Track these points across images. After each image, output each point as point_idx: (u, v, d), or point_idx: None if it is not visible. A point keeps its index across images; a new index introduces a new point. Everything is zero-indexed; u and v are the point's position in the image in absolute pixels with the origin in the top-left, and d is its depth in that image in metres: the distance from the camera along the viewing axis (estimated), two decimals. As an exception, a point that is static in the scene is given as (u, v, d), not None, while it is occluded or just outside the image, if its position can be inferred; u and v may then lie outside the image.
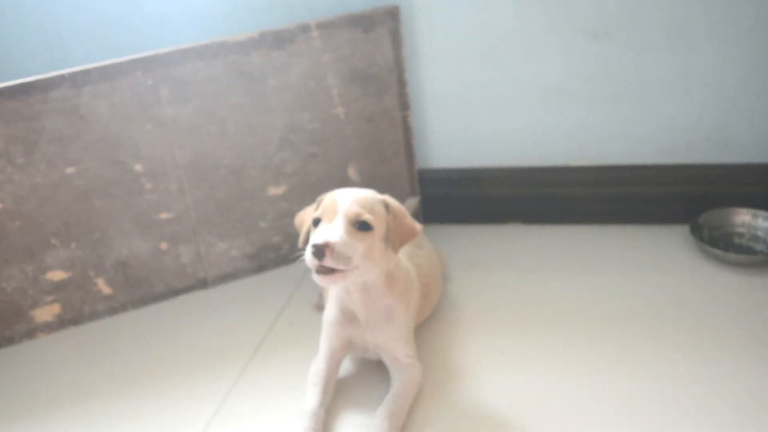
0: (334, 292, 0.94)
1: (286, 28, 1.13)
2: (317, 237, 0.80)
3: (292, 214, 1.24)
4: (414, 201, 1.29)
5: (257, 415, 0.93)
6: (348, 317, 0.93)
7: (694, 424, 0.81)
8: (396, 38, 1.19)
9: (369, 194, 0.87)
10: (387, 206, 0.87)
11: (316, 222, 0.85)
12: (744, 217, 1.18)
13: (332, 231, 0.80)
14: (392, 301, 0.91)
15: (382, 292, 0.90)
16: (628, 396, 0.87)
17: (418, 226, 0.89)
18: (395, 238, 0.86)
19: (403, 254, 0.98)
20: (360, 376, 0.99)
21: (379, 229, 0.84)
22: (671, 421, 0.82)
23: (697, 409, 0.83)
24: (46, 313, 1.16)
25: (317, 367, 0.94)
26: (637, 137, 1.22)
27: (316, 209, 0.88)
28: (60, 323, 1.17)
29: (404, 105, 1.25)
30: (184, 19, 1.28)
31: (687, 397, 0.86)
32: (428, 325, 1.07)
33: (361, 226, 0.82)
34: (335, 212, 0.83)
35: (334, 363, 0.94)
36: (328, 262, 0.79)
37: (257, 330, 1.11)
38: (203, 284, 1.25)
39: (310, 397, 0.90)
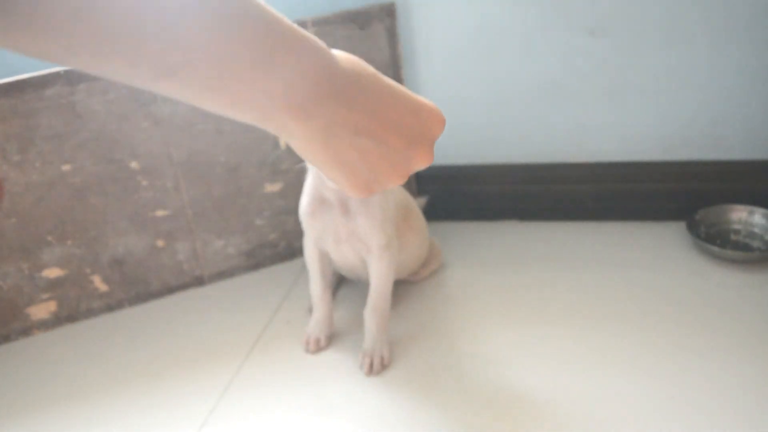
0: (309, 179, 0.95)
1: (282, 25, 1.13)
2: None
3: (288, 212, 1.24)
4: (422, 201, 1.30)
5: (254, 411, 0.93)
6: (322, 205, 0.94)
7: (692, 421, 0.81)
8: (392, 35, 1.19)
9: None
10: None
11: None
12: (740, 214, 1.18)
13: None
14: None
15: None
16: (625, 392, 0.87)
17: None
18: None
19: None
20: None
21: None
22: (668, 417, 0.82)
23: (693, 405, 0.83)
24: (42, 310, 1.16)
25: (307, 244, 1.01)
26: (634, 134, 1.22)
27: None
28: (56, 321, 1.17)
29: (401, 102, 1.24)
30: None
31: (683, 393, 0.86)
32: (425, 321, 1.07)
33: None
34: None
35: (321, 246, 1.00)
36: None
37: (254, 327, 1.11)
38: (200, 282, 1.25)
39: (312, 276, 1.02)
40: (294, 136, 0.37)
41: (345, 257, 1.00)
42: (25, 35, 0.26)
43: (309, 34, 0.35)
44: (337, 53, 0.37)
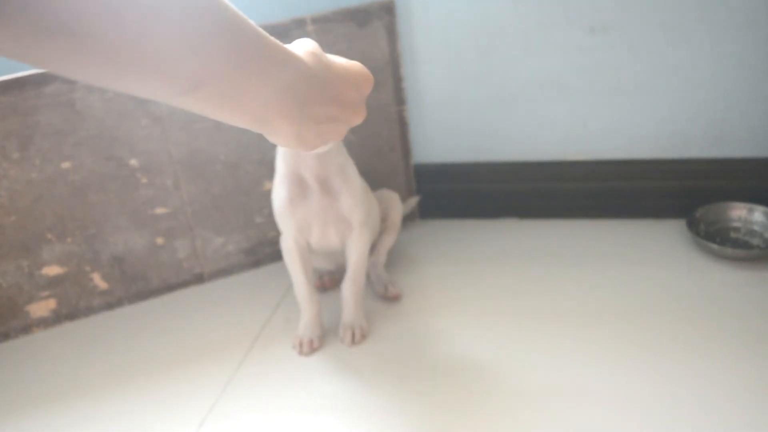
0: (281, 170, 0.96)
1: (281, 22, 1.13)
2: None
3: (288, 209, 1.24)
4: (413, 201, 1.30)
5: (254, 409, 0.93)
6: (301, 191, 0.95)
7: (691, 418, 0.81)
8: (392, 33, 1.19)
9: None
10: None
11: None
12: (740, 212, 1.18)
13: None
14: (344, 160, 0.96)
15: (334, 151, 0.94)
16: (624, 390, 0.87)
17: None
18: None
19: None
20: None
21: None
22: (666, 415, 0.82)
23: (692, 403, 0.83)
24: (41, 308, 1.16)
25: (286, 246, 1.01)
26: (634, 132, 1.22)
27: None
28: (56, 318, 1.18)
29: (400, 100, 1.24)
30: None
31: (682, 391, 0.86)
32: (422, 319, 1.07)
33: None
34: None
35: (301, 241, 1.01)
36: None
37: (254, 325, 1.11)
38: (199, 279, 1.25)
39: (295, 279, 1.03)
40: (280, 133, 0.43)
41: (329, 241, 1.01)
42: (70, 59, 0.31)
43: (281, 44, 0.41)
44: (302, 53, 0.43)
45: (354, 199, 0.97)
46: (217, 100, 0.37)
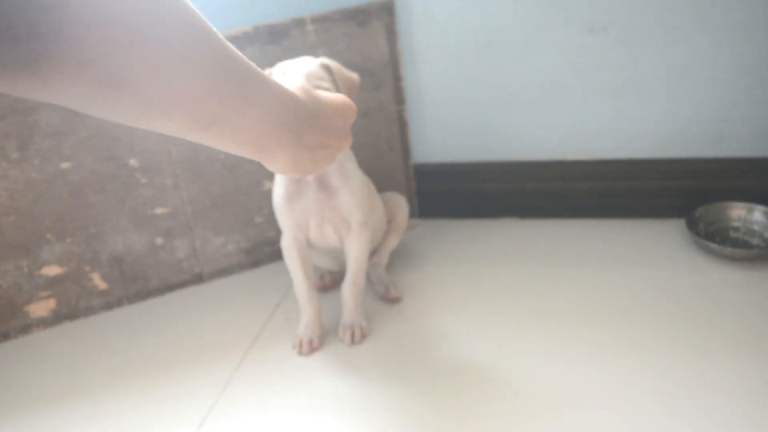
0: None
1: (281, 22, 1.13)
2: None
3: (287, 209, 1.24)
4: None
5: (253, 408, 0.93)
6: (300, 187, 0.96)
7: (690, 417, 0.81)
8: (391, 33, 1.19)
9: (313, 65, 0.91)
10: (328, 68, 0.92)
11: None
12: (740, 212, 1.18)
13: None
14: (344, 157, 0.97)
15: None
16: (623, 389, 0.87)
17: (355, 75, 0.97)
18: (343, 93, 0.92)
19: None
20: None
21: (333, 86, 0.90)
22: (666, 414, 0.82)
23: (691, 403, 0.83)
24: (41, 308, 1.16)
25: (285, 244, 1.02)
26: (633, 131, 1.22)
27: None
28: (55, 318, 1.17)
29: (400, 99, 1.24)
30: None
31: (682, 390, 0.86)
32: (422, 319, 1.07)
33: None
34: None
35: (301, 238, 1.01)
36: None
37: (253, 324, 1.11)
38: (199, 279, 1.25)
39: (295, 278, 1.03)
40: (279, 161, 0.49)
41: (326, 238, 1.02)
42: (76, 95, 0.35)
43: (277, 82, 0.47)
44: (294, 89, 0.49)
45: (353, 198, 0.97)
46: (228, 133, 0.43)
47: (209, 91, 0.40)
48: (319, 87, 0.87)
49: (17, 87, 0.33)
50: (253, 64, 0.45)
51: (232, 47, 0.44)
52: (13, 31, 0.30)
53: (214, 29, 0.43)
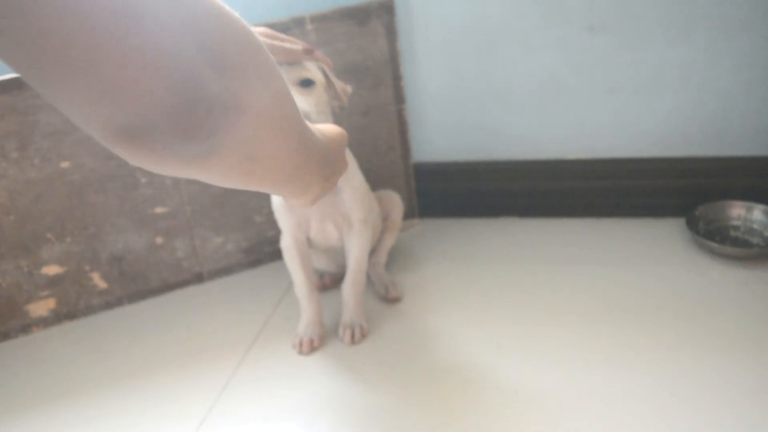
0: None
1: (281, 21, 1.13)
2: None
3: (287, 209, 1.24)
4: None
5: (254, 408, 0.93)
6: None
7: (690, 416, 0.81)
8: (391, 31, 1.19)
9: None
10: (311, 53, 0.90)
11: None
12: (739, 210, 1.18)
13: (300, 103, 0.86)
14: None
15: None
16: (623, 387, 0.87)
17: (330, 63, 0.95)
18: (335, 84, 0.92)
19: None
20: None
21: (319, 80, 0.89)
22: (665, 412, 0.82)
23: (690, 401, 0.84)
24: (41, 307, 1.16)
25: (286, 244, 1.02)
26: (633, 130, 1.22)
27: None
28: (55, 318, 1.17)
29: (399, 98, 1.24)
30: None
31: (681, 388, 0.86)
32: (422, 318, 1.07)
33: (304, 83, 0.87)
34: None
35: (301, 238, 1.02)
36: None
37: (253, 324, 1.11)
38: (199, 278, 1.25)
39: (295, 278, 1.03)
40: (311, 193, 0.56)
41: (328, 237, 1.02)
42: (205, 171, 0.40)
43: (312, 129, 0.53)
44: (318, 131, 0.55)
45: (354, 195, 0.98)
46: (299, 178, 0.51)
47: (294, 156, 0.48)
48: (301, 75, 0.87)
49: (178, 171, 0.39)
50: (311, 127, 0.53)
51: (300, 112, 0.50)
52: (193, 129, 0.35)
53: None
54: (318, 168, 0.54)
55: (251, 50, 0.40)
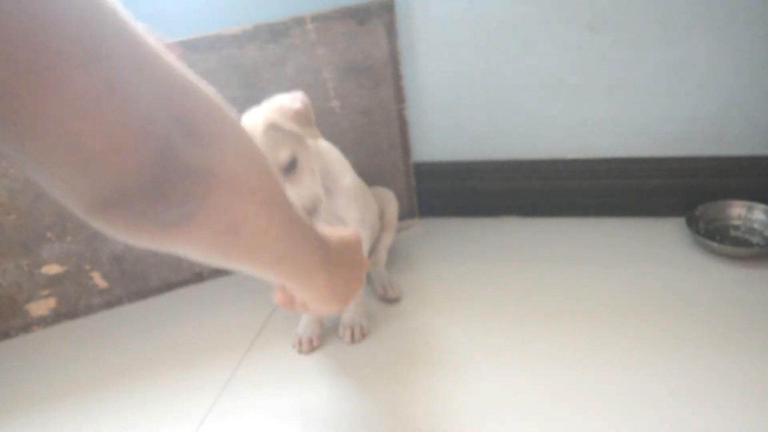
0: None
1: (281, 21, 1.13)
2: None
3: (287, 208, 1.24)
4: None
5: (254, 407, 0.93)
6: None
7: (691, 415, 0.81)
8: (391, 31, 1.19)
9: (264, 137, 0.83)
10: (274, 127, 0.84)
11: None
12: (740, 210, 1.18)
13: (293, 198, 0.84)
14: (333, 158, 0.98)
15: (326, 150, 0.98)
16: (623, 387, 0.87)
17: (298, 104, 0.86)
18: (306, 129, 0.85)
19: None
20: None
21: (299, 150, 0.85)
22: (666, 410, 0.82)
23: (690, 400, 0.84)
24: (41, 307, 1.16)
25: None
26: (633, 129, 1.22)
27: None
28: (55, 317, 1.17)
29: (400, 98, 1.24)
30: (179, 12, 1.27)
31: (681, 388, 0.86)
32: (422, 317, 1.07)
33: (290, 168, 0.84)
34: None
35: None
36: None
37: (253, 323, 1.11)
38: (199, 278, 1.25)
39: None
40: (319, 284, 0.60)
41: None
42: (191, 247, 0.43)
43: (314, 228, 0.59)
44: (330, 234, 0.62)
45: (347, 195, 0.98)
46: (290, 263, 0.54)
47: (283, 233, 0.50)
48: (284, 163, 0.83)
49: (157, 241, 0.40)
50: (303, 216, 0.57)
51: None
52: (169, 195, 0.36)
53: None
54: (319, 258, 0.58)
55: (226, 122, 0.42)
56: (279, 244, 0.50)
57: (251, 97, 1.16)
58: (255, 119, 0.84)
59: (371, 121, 1.24)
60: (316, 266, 0.58)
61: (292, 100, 0.87)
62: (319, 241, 0.59)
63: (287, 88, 1.17)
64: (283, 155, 0.83)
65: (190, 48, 1.10)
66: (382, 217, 1.18)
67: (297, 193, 0.84)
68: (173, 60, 0.39)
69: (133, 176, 0.34)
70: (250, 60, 1.13)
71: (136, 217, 0.36)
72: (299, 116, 0.85)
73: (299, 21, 1.13)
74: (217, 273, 1.26)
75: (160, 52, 0.37)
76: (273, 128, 0.83)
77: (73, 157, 0.32)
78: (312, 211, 0.86)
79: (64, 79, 0.30)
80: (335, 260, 0.62)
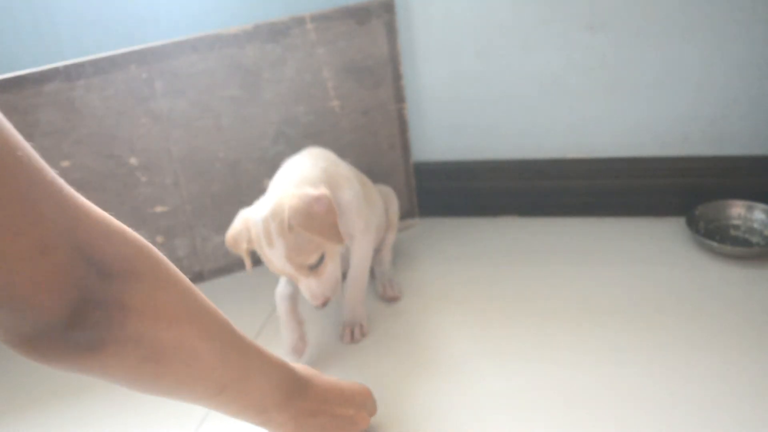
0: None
1: (281, 20, 1.13)
2: (314, 299, 0.90)
3: (287, 208, 1.24)
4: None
5: (252, 407, 0.93)
6: None
7: (689, 415, 0.81)
8: (391, 31, 1.19)
9: (286, 238, 0.83)
10: (290, 225, 0.83)
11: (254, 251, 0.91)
12: (740, 210, 1.18)
13: (317, 289, 0.88)
14: (332, 167, 0.99)
15: (330, 160, 1.01)
16: (622, 387, 0.87)
17: (322, 206, 0.85)
18: (332, 238, 0.86)
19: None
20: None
21: (322, 244, 0.87)
22: (666, 411, 0.82)
23: (690, 400, 0.84)
24: (41, 306, 1.16)
25: (280, 292, 1.02)
26: (633, 129, 1.22)
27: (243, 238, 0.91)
28: (56, 317, 1.18)
29: (400, 98, 1.24)
30: (179, 12, 1.28)
31: (681, 388, 0.86)
32: (421, 317, 1.07)
33: (318, 264, 0.87)
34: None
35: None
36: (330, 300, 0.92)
37: (253, 323, 1.12)
38: (199, 278, 1.25)
39: (283, 327, 1.01)
40: (280, 424, 0.60)
41: None
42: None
43: (269, 352, 0.62)
44: (329, 382, 0.66)
45: (349, 211, 0.98)
46: (234, 396, 0.54)
47: (222, 363, 0.51)
48: (310, 262, 0.85)
49: (78, 366, 0.45)
50: (251, 340, 0.59)
51: (232, 323, 0.56)
52: (82, 323, 0.42)
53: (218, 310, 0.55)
54: (280, 398, 0.58)
55: (141, 258, 0.47)
56: (217, 373, 0.52)
57: (251, 96, 1.16)
58: (274, 216, 0.85)
59: (371, 120, 1.24)
60: (272, 406, 0.58)
61: (316, 201, 0.84)
62: (285, 380, 0.59)
63: (287, 87, 1.17)
64: (313, 259, 0.86)
65: (190, 48, 1.10)
66: (385, 215, 1.19)
67: (317, 281, 0.88)
68: (90, 206, 0.48)
69: (55, 312, 0.41)
70: (249, 60, 1.14)
71: (55, 345, 0.42)
72: (325, 225, 0.84)
73: (299, 21, 1.13)
74: (218, 273, 1.26)
75: (80, 202, 0.46)
76: (297, 233, 0.84)
77: (7, 301, 0.39)
78: (332, 296, 0.90)
79: (5, 242, 0.37)
80: (312, 407, 0.61)
